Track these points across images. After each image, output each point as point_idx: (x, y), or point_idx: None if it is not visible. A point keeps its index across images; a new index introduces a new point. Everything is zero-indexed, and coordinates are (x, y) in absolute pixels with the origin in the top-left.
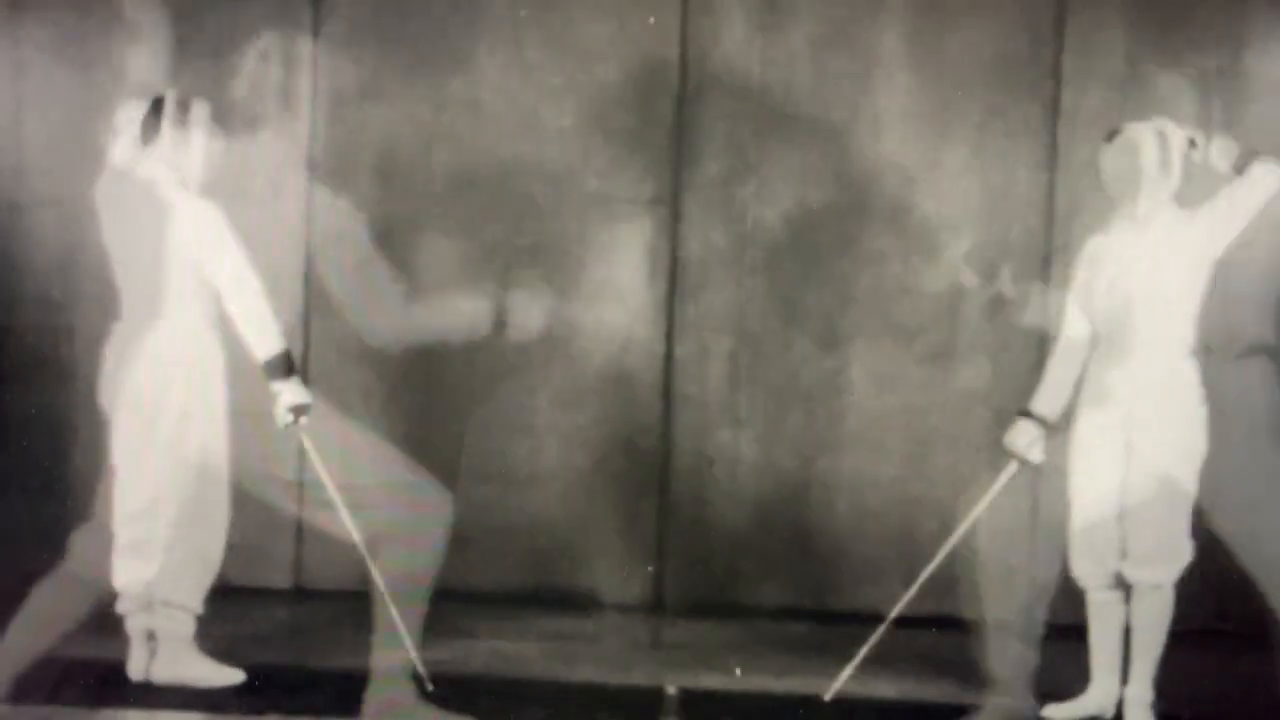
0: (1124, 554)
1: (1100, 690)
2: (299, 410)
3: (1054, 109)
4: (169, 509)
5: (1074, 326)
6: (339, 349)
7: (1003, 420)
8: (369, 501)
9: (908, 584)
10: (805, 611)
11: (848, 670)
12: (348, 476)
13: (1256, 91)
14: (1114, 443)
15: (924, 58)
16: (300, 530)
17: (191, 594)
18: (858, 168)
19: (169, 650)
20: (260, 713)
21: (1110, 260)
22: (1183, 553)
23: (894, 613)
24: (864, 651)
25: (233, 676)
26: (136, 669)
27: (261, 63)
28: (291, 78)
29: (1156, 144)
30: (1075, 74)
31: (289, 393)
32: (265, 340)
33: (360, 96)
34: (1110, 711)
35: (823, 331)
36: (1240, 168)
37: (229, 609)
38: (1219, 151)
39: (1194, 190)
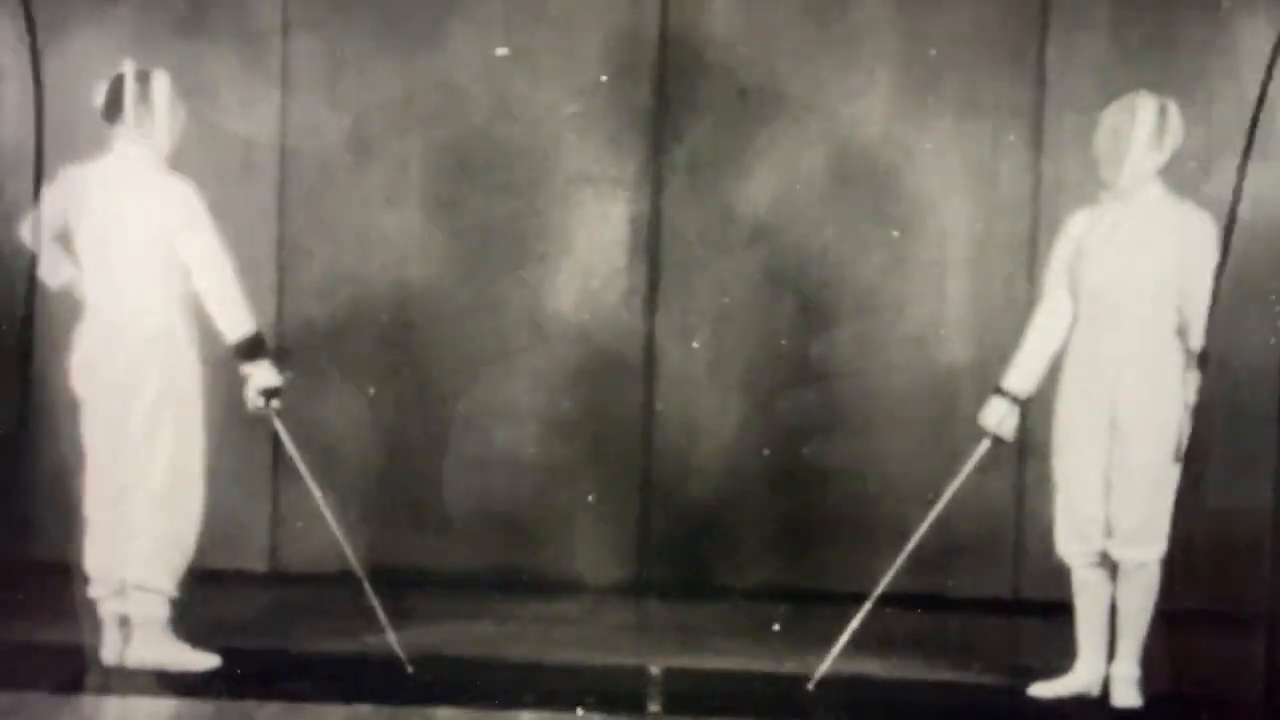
0: (1109, 532)
1: (1087, 668)
2: (270, 393)
3: (1039, 85)
4: (143, 492)
5: (1052, 302)
6: (312, 331)
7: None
8: None
9: (893, 563)
10: (788, 591)
11: (833, 653)
12: None
13: (1241, 66)
14: (1098, 420)
15: (908, 34)
16: (276, 513)
17: (166, 578)
18: (841, 144)
19: (143, 635)
20: (235, 697)
21: (1092, 235)
22: (1167, 530)
23: (876, 592)
24: (848, 633)
25: (207, 661)
26: (111, 654)
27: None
28: (262, 54)
29: (1156, 115)
30: (1060, 50)
31: (260, 375)
32: (236, 322)
33: (332, 73)
34: (1097, 689)
35: (805, 311)
36: None
37: (204, 593)
38: None
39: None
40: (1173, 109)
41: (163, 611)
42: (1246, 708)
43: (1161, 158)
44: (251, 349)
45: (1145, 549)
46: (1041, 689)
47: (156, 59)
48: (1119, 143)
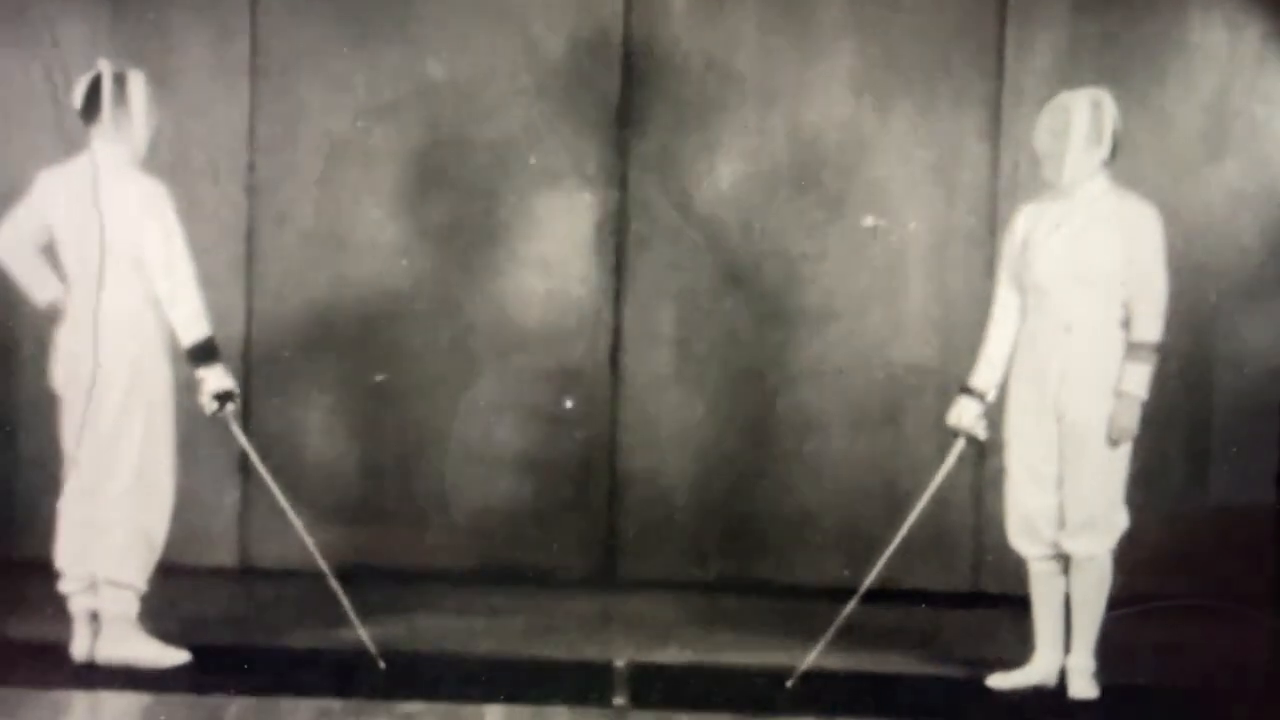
0: (1061, 525)
1: (1044, 660)
2: (223, 397)
3: (997, 79)
4: (113, 488)
5: (1006, 299)
6: (281, 330)
7: (949, 395)
8: None
9: (855, 558)
10: (751, 586)
11: (813, 653)
12: None
13: (1198, 61)
14: (1046, 415)
15: (868, 28)
16: (246, 509)
17: (136, 573)
18: (803, 139)
19: (113, 630)
20: (205, 692)
21: (1038, 230)
22: (1117, 523)
23: (863, 588)
24: (831, 631)
25: (177, 656)
26: (80, 649)
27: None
28: (230, 50)
29: (1089, 112)
30: (1018, 44)
31: (213, 379)
32: (191, 325)
33: (300, 69)
34: (1054, 680)
35: (770, 305)
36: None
37: (174, 588)
38: None
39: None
40: (1107, 101)
41: (133, 607)
42: (1240, 702)
43: (1102, 151)
44: (204, 353)
45: (1094, 542)
46: (999, 680)
47: (125, 59)
48: (1057, 142)
